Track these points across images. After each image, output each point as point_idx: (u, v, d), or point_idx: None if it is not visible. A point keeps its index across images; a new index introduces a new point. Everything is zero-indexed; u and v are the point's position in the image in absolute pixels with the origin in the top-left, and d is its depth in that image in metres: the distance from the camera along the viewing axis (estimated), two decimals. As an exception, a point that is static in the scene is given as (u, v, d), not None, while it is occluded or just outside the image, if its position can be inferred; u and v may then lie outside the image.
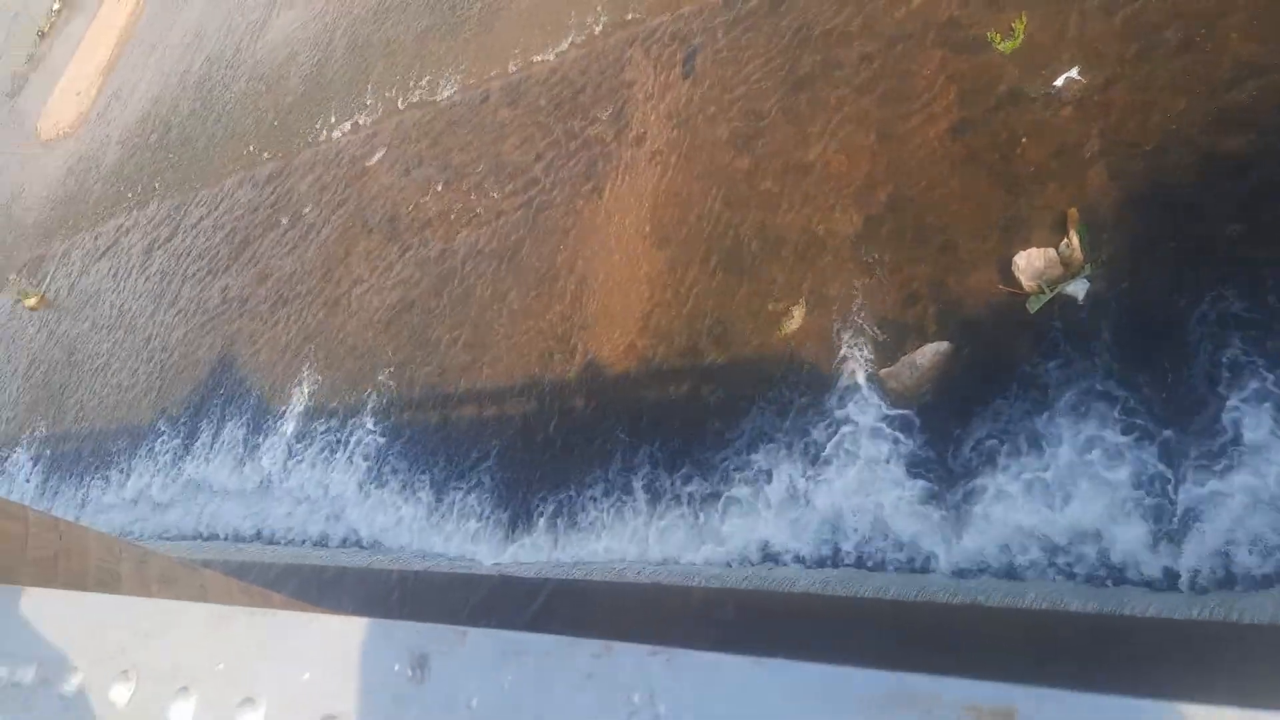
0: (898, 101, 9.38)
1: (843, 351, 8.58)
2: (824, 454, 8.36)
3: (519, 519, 10.44)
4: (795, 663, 0.95)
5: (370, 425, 12.82)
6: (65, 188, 26.92)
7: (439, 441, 11.86)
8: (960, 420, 7.81)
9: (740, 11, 11.46)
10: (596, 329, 10.83)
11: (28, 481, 18.86)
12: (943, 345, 8.03)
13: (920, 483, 7.80)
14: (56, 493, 17.81)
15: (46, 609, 1.05)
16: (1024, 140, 8.34)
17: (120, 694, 0.95)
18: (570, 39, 13.73)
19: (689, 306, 10.03)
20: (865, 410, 8.26)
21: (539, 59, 14.11)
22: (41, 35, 37.24)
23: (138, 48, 28.54)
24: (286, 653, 0.88)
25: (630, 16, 12.97)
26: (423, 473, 11.72)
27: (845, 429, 8.29)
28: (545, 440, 10.70)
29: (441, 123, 15.26)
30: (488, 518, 10.76)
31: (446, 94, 15.55)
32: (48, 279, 24.16)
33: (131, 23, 29.76)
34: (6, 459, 20.00)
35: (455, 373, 12.27)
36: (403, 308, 13.66)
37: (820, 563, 8.15)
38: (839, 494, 8.22)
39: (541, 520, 10.15)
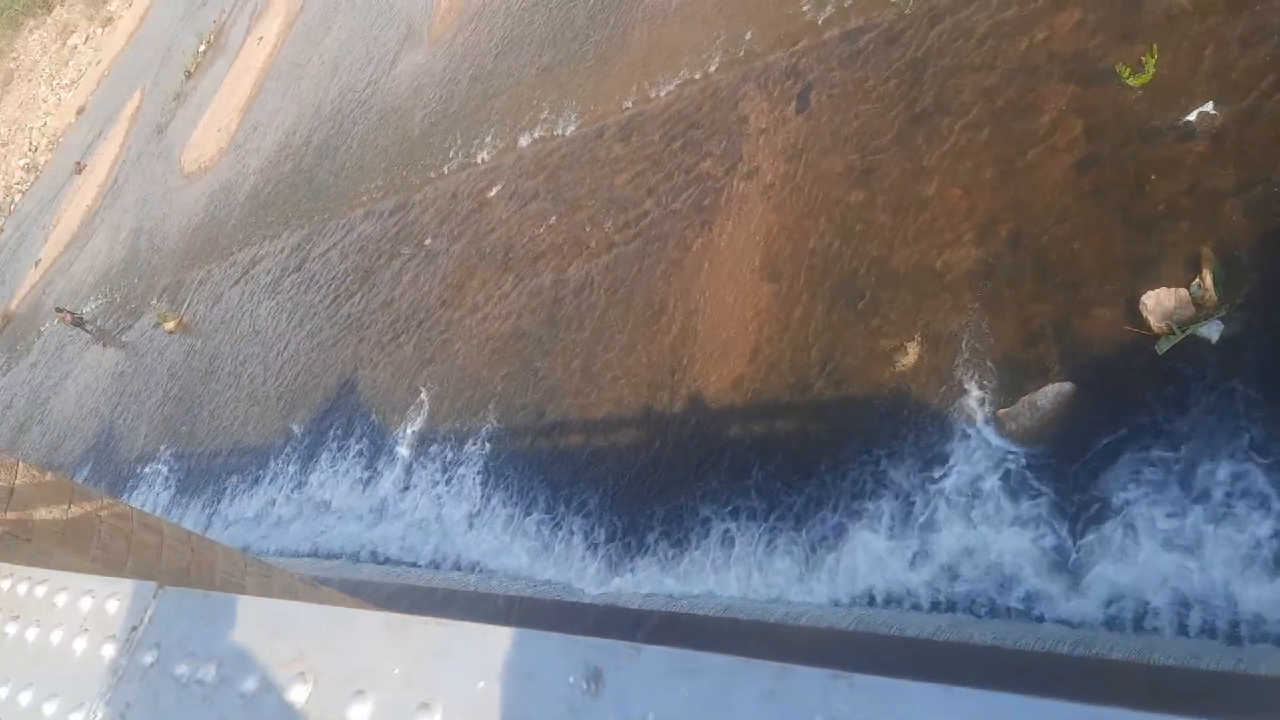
0: (1020, 136, 9.17)
1: (959, 390, 8.38)
2: (938, 495, 8.17)
3: (624, 549, 10.49)
4: (983, 691, 0.94)
5: (481, 451, 13.12)
6: (204, 218, 28.54)
7: (547, 469, 12.04)
8: (1083, 464, 7.53)
9: (857, 46, 11.43)
10: (705, 361, 10.86)
11: (162, 493, 19.92)
12: (1065, 386, 7.76)
13: (1039, 528, 7.54)
14: (187, 506, 18.76)
15: (226, 611, 1.13)
16: (1154, 176, 8.04)
17: (298, 694, 1.01)
18: (684, 76, 13.92)
19: (799, 341, 9.96)
20: (982, 451, 8.04)
21: (653, 95, 14.34)
22: (188, 75, 39.74)
23: (275, 85, 30.15)
24: (462, 661, 0.92)
25: (745, 54, 13.08)
26: (531, 500, 11.92)
27: (960, 470, 8.08)
28: (651, 472, 10.75)
29: (557, 158, 15.63)
30: (593, 547, 10.85)
31: (563, 130, 15.93)
32: (186, 304, 25.60)
33: (269, 62, 31.48)
34: (144, 471, 21.18)
35: (564, 402, 12.46)
36: (515, 336, 13.98)
37: (932, 607, 7.94)
38: (952, 536, 8.00)
39: (647, 551, 10.18)
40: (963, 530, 7.96)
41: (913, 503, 8.30)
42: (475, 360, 14.41)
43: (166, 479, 20.28)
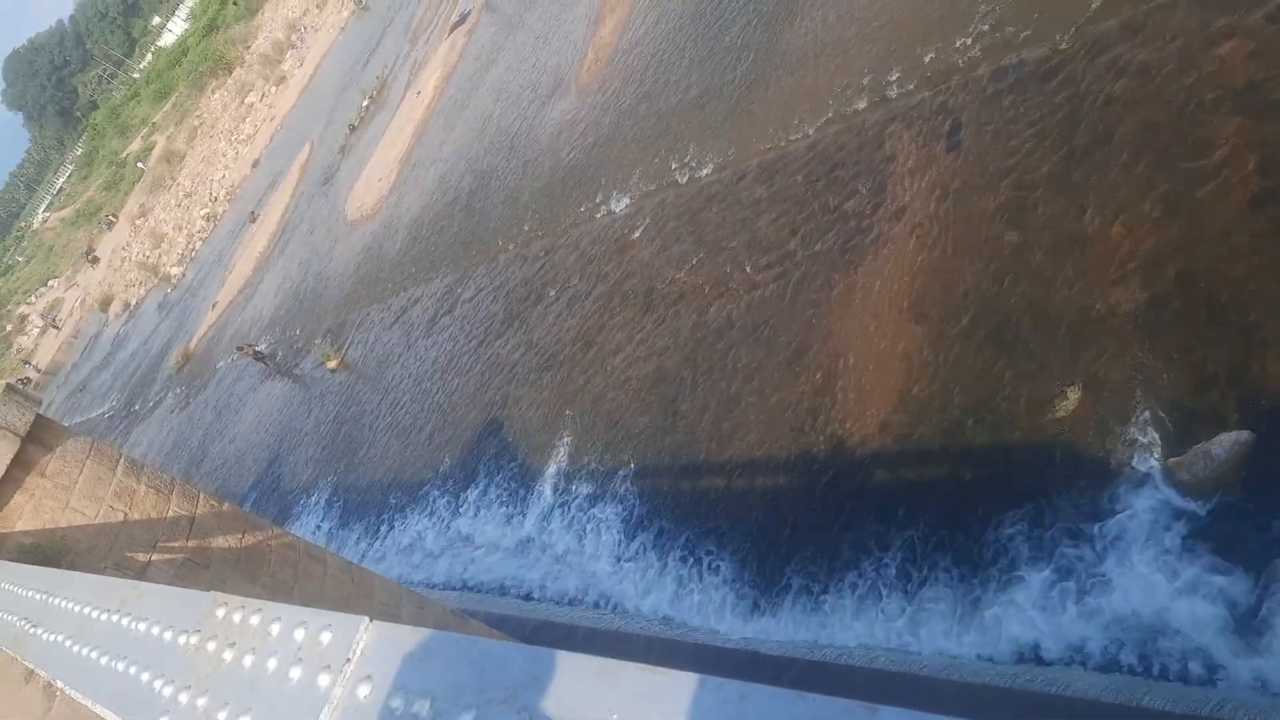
0: (1188, 171, 8.70)
1: (1125, 438, 7.94)
2: (1103, 547, 7.73)
3: (766, 594, 10.35)
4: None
5: (623, 490, 13.24)
6: (365, 263, 30.10)
7: (688, 510, 12.04)
8: (1263, 519, 6.98)
9: (1010, 82, 11.13)
10: (850, 405, 10.66)
11: (323, 523, 20.93)
12: (1244, 435, 7.24)
13: (1216, 584, 7.02)
14: (345, 536, 19.63)
15: (435, 647, 1.18)
16: (1342, 211, 7.48)
17: (519, 733, 1.03)
18: (828, 116, 13.87)
19: (950, 385, 9.67)
20: (1151, 502, 7.57)
21: (796, 137, 14.33)
22: (352, 128, 42.21)
23: (431, 137, 31.67)
24: (681, 711, 0.94)
25: (892, 94, 12.93)
26: (673, 540, 11.93)
27: (1128, 521, 7.63)
28: (794, 516, 10.59)
29: (700, 200, 15.79)
30: (734, 591, 10.74)
31: (705, 173, 16.10)
32: (347, 343, 27.00)
33: (427, 115, 33.10)
34: (307, 502, 22.32)
35: (705, 444, 12.45)
36: (656, 377, 14.10)
37: (1099, 666, 7.48)
38: (1120, 591, 7.54)
39: (789, 597, 10.01)
40: (1131, 585, 7.49)
41: (1076, 555, 7.88)
42: (617, 400, 14.61)
43: (327, 509, 21.30)
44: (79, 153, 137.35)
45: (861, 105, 13.40)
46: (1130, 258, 8.73)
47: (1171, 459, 7.58)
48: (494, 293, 20.78)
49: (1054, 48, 10.86)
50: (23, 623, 2.87)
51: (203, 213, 65.93)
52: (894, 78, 13.06)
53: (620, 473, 13.47)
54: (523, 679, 1.03)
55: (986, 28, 11.98)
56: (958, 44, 12.29)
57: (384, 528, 18.61)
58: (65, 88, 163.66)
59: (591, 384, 15.50)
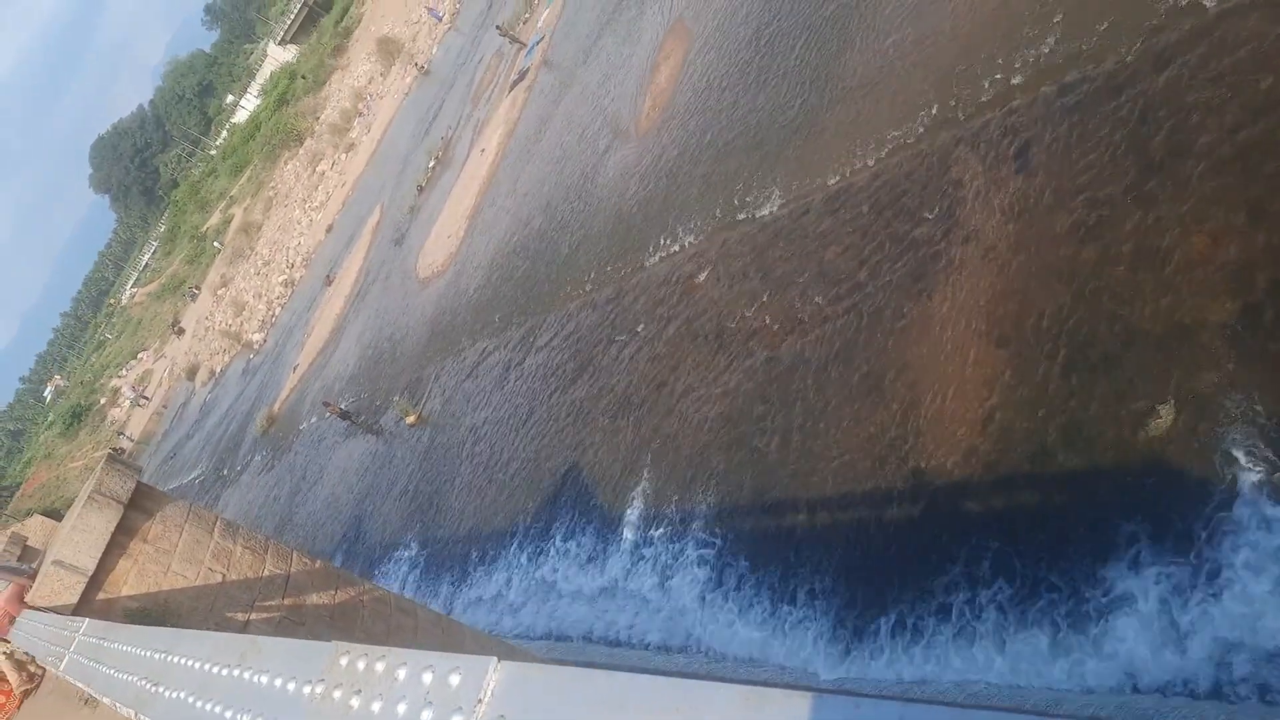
0: (1271, 176, 8.42)
1: (1225, 456, 7.62)
2: (1208, 572, 7.40)
3: (857, 633, 10.13)
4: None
5: (704, 531, 13.14)
6: (437, 319, 30.71)
7: (772, 549, 11.89)
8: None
9: (1077, 98, 10.95)
10: (932, 433, 10.46)
11: (409, 575, 21.19)
12: (1355, 446, 6.91)
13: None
14: (432, 588, 19.83)
15: (565, 682, 1.18)
16: None
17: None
18: (891, 144, 13.79)
19: (1034, 408, 9.43)
20: (1258, 521, 7.24)
21: (859, 167, 14.27)
22: (420, 189, 43.34)
23: (496, 191, 32.35)
24: None
25: (956, 116, 12.82)
26: (758, 581, 11.78)
27: (1234, 543, 7.30)
28: (881, 551, 10.38)
29: (764, 237, 15.78)
30: (824, 630, 10.54)
31: (768, 210, 16.11)
32: (424, 397, 27.48)
33: (492, 171, 33.85)
34: (394, 556, 22.64)
35: (784, 480, 12.32)
36: (730, 416, 14.03)
37: (1209, 694, 7.14)
38: (1228, 617, 7.21)
39: (882, 634, 9.78)
40: (1241, 610, 7.16)
41: (1179, 579, 7.56)
42: (693, 441, 14.56)
43: (413, 562, 21.57)
44: (162, 229, 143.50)
45: (923, 131, 13.31)
46: (1217, 268, 8.46)
47: (1277, 473, 7.25)
48: (565, 340, 20.99)
49: (1121, 60, 10.66)
50: (143, 682, 2.96)
51: (281, 279, 68.06)
52: (955, 101, 12.95)
53: (701, 513, 13.39)
54: (666, 707, 1.02)
55: (1049, 46, 11.83)
56: (1019, 63, 12.15)
57: (469, 579, 18.74)
58: (148, 168, 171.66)
59: (666, 425, 15.49)
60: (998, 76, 12.42)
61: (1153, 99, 10.01)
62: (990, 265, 10.87)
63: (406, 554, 22.10)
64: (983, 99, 12.49)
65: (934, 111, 13.29)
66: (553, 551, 16.46)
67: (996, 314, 10.43)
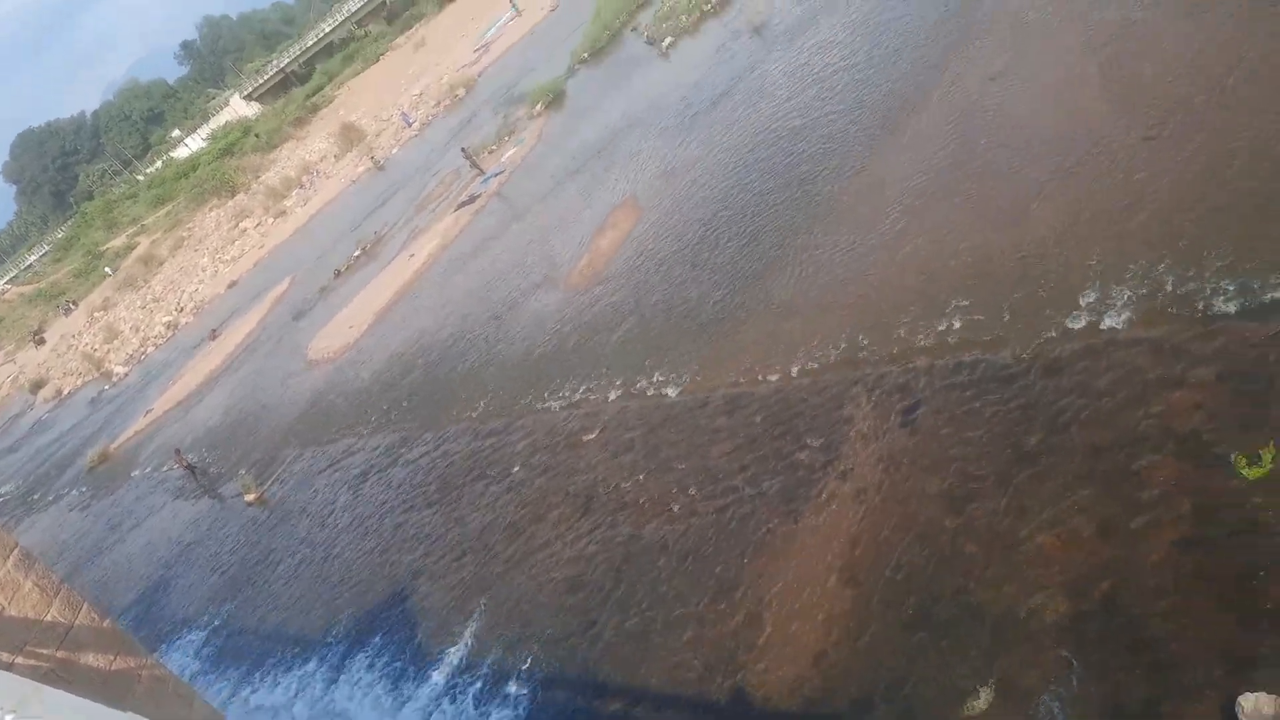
0: (1125, 500, 9.07)
1: (1032, 751, 7.82)
2: None
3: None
4: None
5: (517, 693, 12.65)
6: (314, 403, 29.88)
7: (581, 731, 11.49)
8: None
9: (972, 377, 11.73)
10: (767, 656, 10.47)
11: (193, 661, 19.58)
12: (1149, 773, 7.18)
13: None
14: (215, 680, 18.34)
15: None
16: (1263, 574, 7.77)
17: None
18: (800, 365, 14.39)
19: (868, 655, 9.57)
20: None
21: (762, 379, 14.81)
22: (338, 273, 43.01)
23: (413, 299, 32.32)
24: None
25: (860, 358, 13.53)
26: (557, 760, 11.30)
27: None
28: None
29: (659, 417, 16.05)
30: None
31: (671, 392, 16.46)
32: (272, 479, 26.30)
33: (414, 278, 33.93)
34: (185, 632, 21.01)
35: (614, 662, 12.06)
36: (578, 584, 13.81)
37: None
38: None
39: None
40: None
41: None
42: (533, 598, 14.22)
43: (204, 644, 20.05)
44: (60, 236, 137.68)
45: (829, 363, 13.97)
46: (1061, 570, 8.93)
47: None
48: (436, 460, 20.58)
49: (1017, 356, 11.53)
50: None
51: (165, 319, 65.62)
52: (864, 346, 13.70)
53: (521, 674, 12.90)
54: None
55: (957, 323, 12.73)
56: (928, 330, 13.00)
57: (256, 680, 17.45)
58: (68, 173, 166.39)
59: (512, 576, 15.12)
60: (906, 336, 13.25)
61: (1037, 398, 10.79)
62: (858, 506, 11.24)
63: (199, 634, 20.53)
64: (889, 352, 13.25)
65: (842, 348, 14.01)
66: (354, 677, 15.52)
67: (854, 554, 10.71)
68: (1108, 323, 10.97)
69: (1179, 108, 13.27)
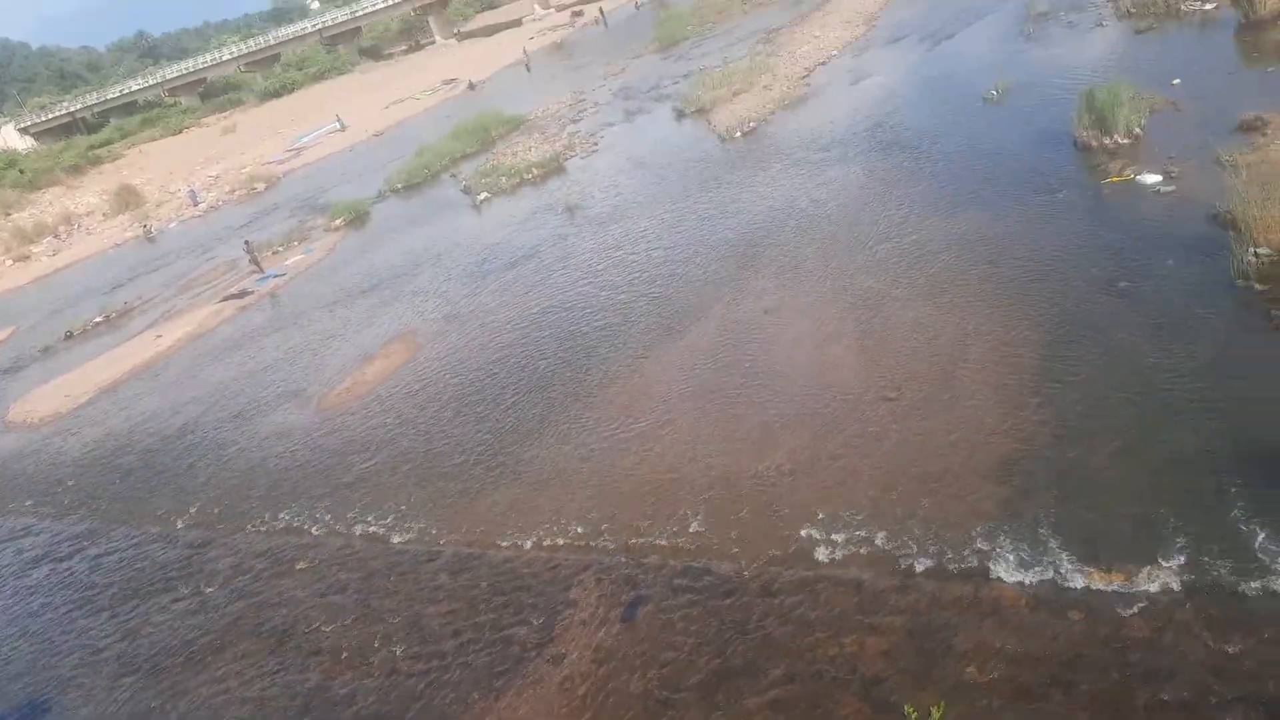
0: (808, 730, 9.47)
1: None
2: None
3: None
4: None
5: None
6: (1, 467, 26.48)
7: None
8: None
9: (695, 583, 12.09)
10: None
11: None
12: None
13: None
14: None
15: None
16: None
17: None
18: (536, 538, 14.30)
19: None
20: None
21: (497, 544, 14.57)
22: (69, 335, 39.30)
23: (146, 382, 29.91)
24: None
25: (599, 542, 13.64)
26: None
27: None
28: None
29: (380, 563, 15.34)
30: None
31: (396, 538, 15.83)
32: (-84, 545, 22.65)
33: (153, 360, 31.57)
34: None
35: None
36: (248, 728, 12.58)
37: None
38: None
39: None
40: None
41: None
42: (190, 736, 12.77)
43: None
44: None
45: (564, 543, 13.97)
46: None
47: None
48: (124, 562, 18.53)
49: (738, 571, 12.04)
50: None
51: None
52: (605, 529, 13.86)
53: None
54: None
55: (692, 528, 13.20)
56: (664, 529, 13.36)
57: None
58: None
59: (171, 704, 13.57)
60: (644, 529, 13.55)
61: (749, 615, 11.24)
62: (562, 695, 11.05)
63: None
64: (625, 542, 13.46)
65: (582, 530, 14.10)
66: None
67: (546, 744, 10.44)
68: (822, 556, 11.74)
69: (912, 379, 14.92)
